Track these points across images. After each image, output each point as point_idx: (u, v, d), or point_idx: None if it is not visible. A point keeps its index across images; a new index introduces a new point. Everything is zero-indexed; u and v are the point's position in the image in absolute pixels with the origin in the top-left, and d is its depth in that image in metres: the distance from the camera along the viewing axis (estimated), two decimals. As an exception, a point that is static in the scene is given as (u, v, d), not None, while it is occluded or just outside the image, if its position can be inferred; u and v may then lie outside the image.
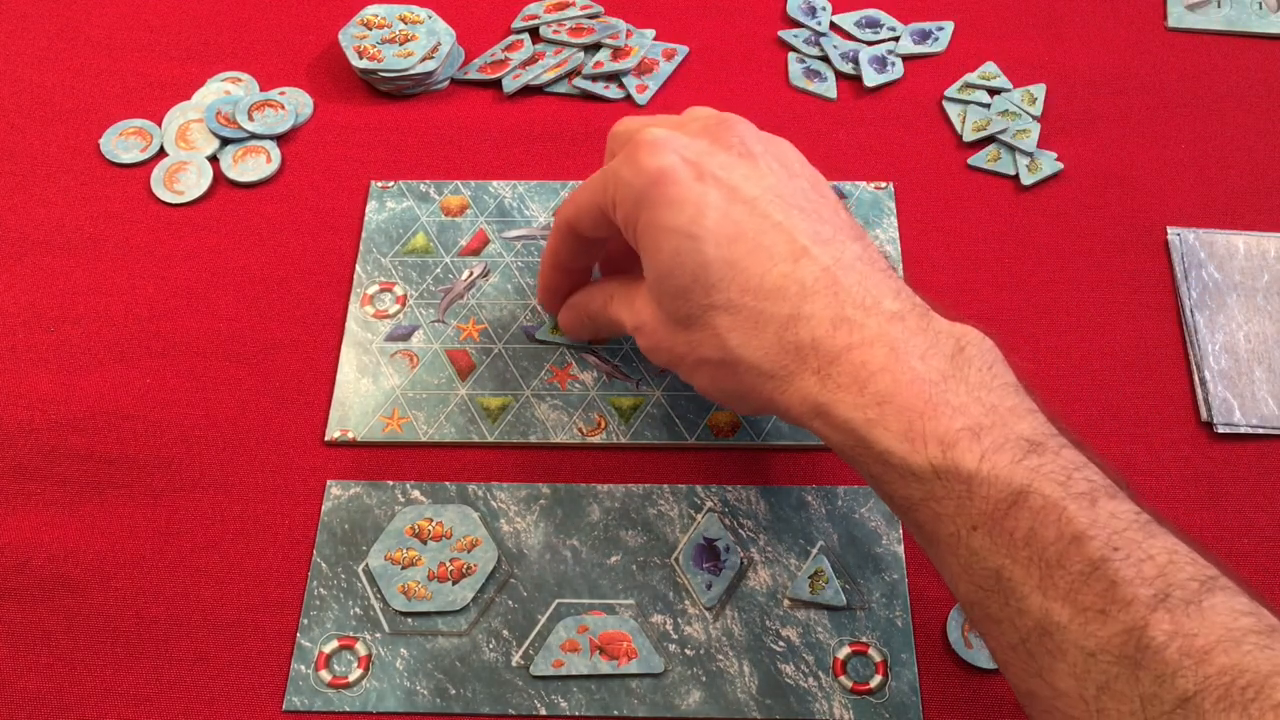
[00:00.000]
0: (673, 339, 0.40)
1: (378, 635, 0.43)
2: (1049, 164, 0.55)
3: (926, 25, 0.61)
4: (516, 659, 0.43)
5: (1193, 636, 0.29)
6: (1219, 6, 0.61)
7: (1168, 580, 0.31)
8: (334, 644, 0.43)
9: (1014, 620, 0.32)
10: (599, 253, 0.46)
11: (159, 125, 0.58)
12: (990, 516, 0.33)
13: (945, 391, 0.35)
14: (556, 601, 0.44)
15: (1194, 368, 0.49)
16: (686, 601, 0.44)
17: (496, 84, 0.59)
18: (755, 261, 0.37)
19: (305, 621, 0.43)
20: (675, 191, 0.38)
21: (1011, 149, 0.56)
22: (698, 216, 0.38)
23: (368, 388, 0.49)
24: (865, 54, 0.60)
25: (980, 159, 0.56)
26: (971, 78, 0.59)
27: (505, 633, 0.43)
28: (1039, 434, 0.34)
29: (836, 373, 0.36)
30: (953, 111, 0.58)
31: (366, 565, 0.45)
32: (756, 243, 0.38)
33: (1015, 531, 0.32)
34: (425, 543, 0.45)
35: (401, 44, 0.59)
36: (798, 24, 0.62)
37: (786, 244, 0.38)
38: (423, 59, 0.58)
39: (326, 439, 0.48)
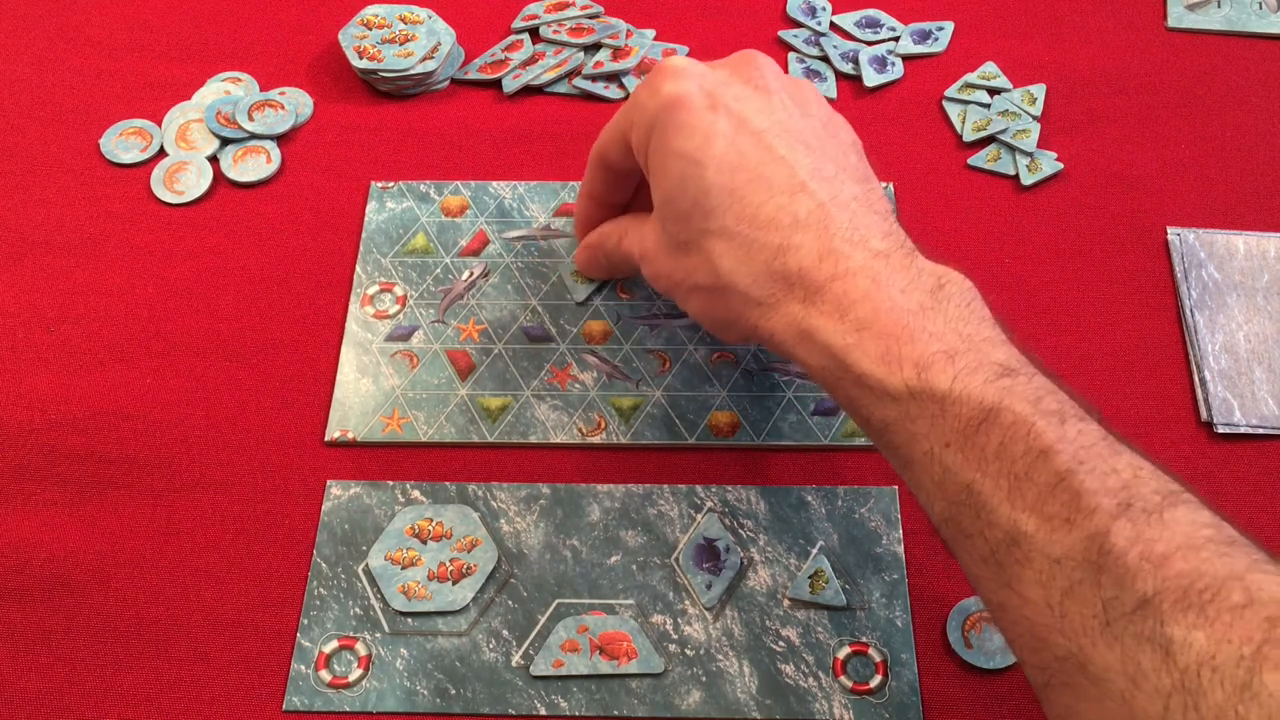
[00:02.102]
0: (671, 264, 0.42)
1: (378, 635, 0.43)
2: (1049, 164, 0.55)
3: (926, 25, 0.61)
4: (516, 659, 0.43)
5: (1153, 542, 0.30)
6: (1219, 6, 0.61)
7: (1131, 492, 0.32)
8: (334, 644, 0.43)
9: (984, 533, 0.33)
10: (629, 187, 0.47)
11: (159, 125, 0.58)
12: (962, 433, 0.34)
13: (923, 320, 0.36)
14: (556, 601, 0.44)
15: (1194, 368, 0.49)
16: (686, 601, 0.44)
17: (496, 84, 0.59)
18: (753, 191, 0.39)
19: (305, 621, 0.43)
20: (686, 117, 0.39)
21: (1011, 149, 0.56)
22: (704, 144, 0.39)
23: (368, 388, 0.49)
24: (865, 54, 0.60)
25: (980, 159, 0.56)
26: (971, 78, 0.59)
27: (505, 633, 0.43)
28: (1012, 361, 0.36)
29: (820, 300, 0.37)
30: (953, 111, 0.58)
31: (366, 565, 0.45)
32: (757, 173, 0.39)
33: (986, 447, 0.33)
34: (425, 543, 0.45)
35: (401, 44, 0.59)
36: (798, 24, 0.62)
37: (786, 177, 0.39)
38: (423, 59, 0.58)
39: (326, 439, 0.48)
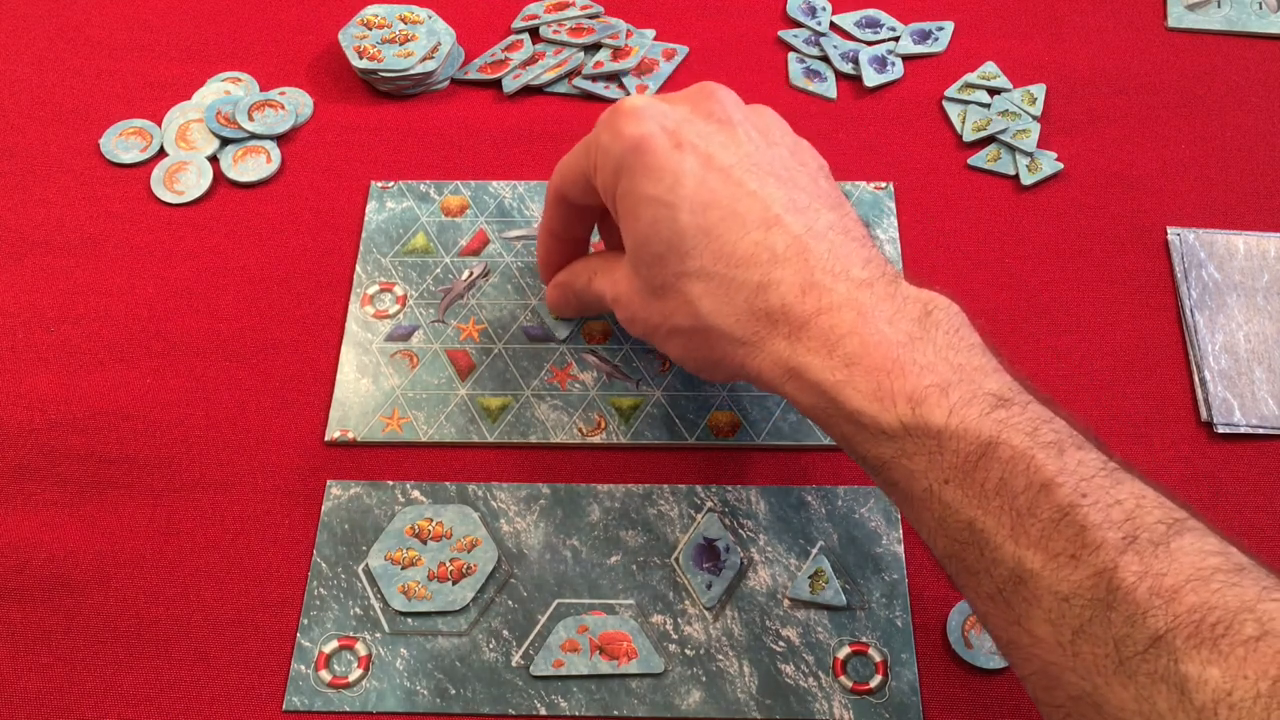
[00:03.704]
0: (648, 309, 0.41)
1: (378, 635, 0.43)
2: (1049, 164, 0.55)
3: (926, 25, 0.61)
4: (516, 659, 0.43)
5: (1161, 576, 0.30)
6: (1219, 6, 0.61)
7: (1136, 524, 0.31)
8: (334, 644, 0.43)
9: (990, 570, 0.33)
10: (590, 221, 0.46)
11: (159, 125, 0.58)
12: (960, 469, 0.33)
13: (913, 352, 0.35)
14: (556, 601, 0.44)
15: (1194, 368, 0.49)
16: (686, 601, 0.44)
17: (496, 84, 0.59)
18: (728, 229, 0.38)
19: (305, 621, 0.43)
20: (652, 160, 0.39)
21: (1011, 149, 0.56)
22: (674, 185, 0.38)
23: (368, 388, 0.49)
24: (865, 54, 0.60)
25: (980, 159, 0.56)
26: (971, 78, 0.59)
27: (505, 633, 0.43)
28: (1006, 390, 0.35)
29: (806, 337, 0.37)
30: (953, 111, 0.58)
31: (366, 565, 0.45)
32: (730, 210, 0.38)
33: (986, 483, 0.33)
34: (425, 543, 0.45)
35: (401, 44, 0.59)
36: (798, 24, 0.62)
37: (760, 212, 0.38)
38: (423, 59, 0.58)
39: (326, 439, 0.48)
